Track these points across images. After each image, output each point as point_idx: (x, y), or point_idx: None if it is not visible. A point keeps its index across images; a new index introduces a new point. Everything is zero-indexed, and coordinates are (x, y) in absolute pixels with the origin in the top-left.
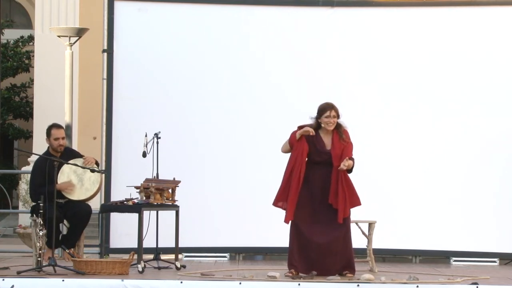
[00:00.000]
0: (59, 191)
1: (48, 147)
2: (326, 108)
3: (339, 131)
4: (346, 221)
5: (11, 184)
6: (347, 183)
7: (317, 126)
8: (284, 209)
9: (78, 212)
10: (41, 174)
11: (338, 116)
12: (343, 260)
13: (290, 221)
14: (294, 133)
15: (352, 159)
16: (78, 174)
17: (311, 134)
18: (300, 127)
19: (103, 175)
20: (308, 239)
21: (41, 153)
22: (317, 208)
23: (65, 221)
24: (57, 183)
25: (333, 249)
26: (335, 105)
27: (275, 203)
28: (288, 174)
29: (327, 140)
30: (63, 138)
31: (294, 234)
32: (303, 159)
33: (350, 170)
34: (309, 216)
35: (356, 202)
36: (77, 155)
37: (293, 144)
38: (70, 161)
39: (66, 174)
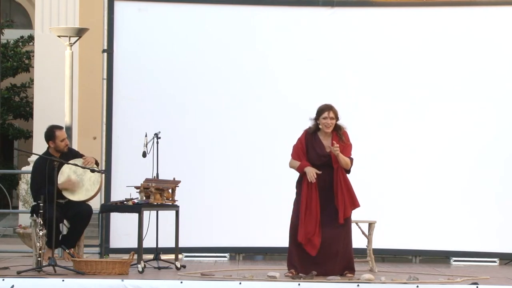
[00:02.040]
0: (59, 191)
1: (48, 148)
2: (324, 110)
3: (339, 133)
4: (347, 221)
5: (11, 184)
6: (346, 185)
7: (316, 127)
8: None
9: (79, 213)
10: (41, 174)
11: (336, 118)
12: (343, 261)
13: (290, 222)
14: (298, 159)
15: (351, 159)
16: (78, 174)
17: (312, 180)
18: (300, 140)
19: (103, 175)
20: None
21: (41, 153)
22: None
23: (65, 221)
24: (57, 183)
25: (333, 248)
26: (333, 107)
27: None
28: (303, 213)
29: (326, 142)
30: (66, 138)
31: (294, 234)
32: (317, 199)
33: (348, 171)
34: None
35: (354, 204)
36: (77, 154)
37: (300, 172)
38: (70, 161)
39: (66, 174)
